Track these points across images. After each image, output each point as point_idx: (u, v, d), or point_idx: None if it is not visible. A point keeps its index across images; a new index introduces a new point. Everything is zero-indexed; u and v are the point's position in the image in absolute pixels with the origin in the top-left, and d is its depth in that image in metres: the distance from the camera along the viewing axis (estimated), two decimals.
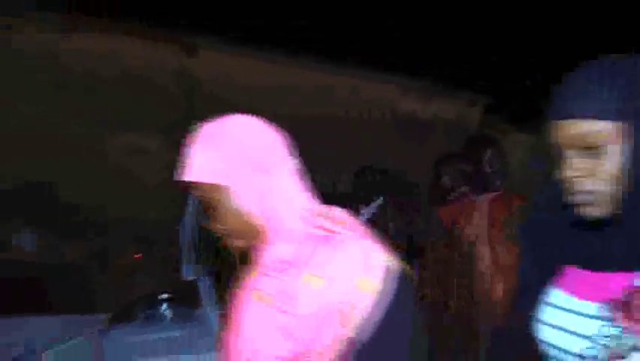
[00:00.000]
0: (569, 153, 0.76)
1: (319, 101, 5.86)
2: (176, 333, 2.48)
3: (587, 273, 0.81)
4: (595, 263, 0.80)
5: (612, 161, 0.73)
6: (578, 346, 0.79)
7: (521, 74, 6.24)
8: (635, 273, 0.76)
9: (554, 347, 0.83)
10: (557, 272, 0.85)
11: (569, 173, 0.76)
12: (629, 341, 0.73)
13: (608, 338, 0.75)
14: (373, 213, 3.84)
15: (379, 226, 4.42)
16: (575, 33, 5.85)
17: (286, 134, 1.10)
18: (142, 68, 4.97)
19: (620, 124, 0.73)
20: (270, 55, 5.54)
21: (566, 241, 0.82)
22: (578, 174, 0.75)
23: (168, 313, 2.76)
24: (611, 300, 0.76)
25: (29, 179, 4.40)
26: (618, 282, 0.77)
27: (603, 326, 0.76)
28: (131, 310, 2.81)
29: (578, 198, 0.76)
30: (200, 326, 2.62)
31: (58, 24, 4.63)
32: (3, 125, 4.44)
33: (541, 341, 0.85)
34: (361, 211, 3.99)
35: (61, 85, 4.66)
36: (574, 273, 0.83)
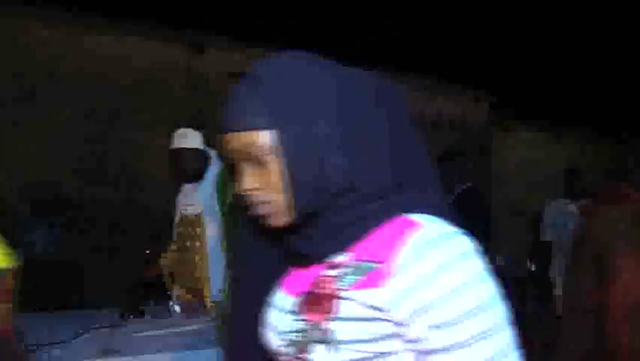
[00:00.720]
0: (240, 165, 0.75)
1: None
2: (188, 327, 2.51)
3: (297, 269, 0.80)
4: (300, 259, 0.79)
5: (275, 170, 0.72)
6: (276, 343, 0.78)
7: (527, 71, 6.23)
8: (325, 264, 0.75)
9: (267, 345, 0.81)
10: (284, 272, 0.84)
11: (242, 186, 0.75)
12: (313, 333, 0.72)
13: (295, 333, 0.74)
14: None
15: None
16: (580, 29, 5.85)
17: None
18: (150, 67, 5.02)
19: (272, 132, 0.71)
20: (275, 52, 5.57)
21: (278, 240, 0.80)
22: (250, 186, 0.74)
23: (177, 308, 2.80)
24: (300, 293, 0.76)
25: (41, 178, 4.46)
26: (311, 275, 0.76)
27: (293, 320, 0.75)
28: (140, 304, 2.85)
29: (257, 210, 0.75)
30: (210, 320, 2.66)
31: (68, 24, 4.67)
32: (17, 124, 4.49)
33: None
34: None
35: (70, 84, 4.71)
36: (290, 271, 0.82)
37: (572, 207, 4.86)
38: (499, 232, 6.82)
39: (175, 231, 3.08)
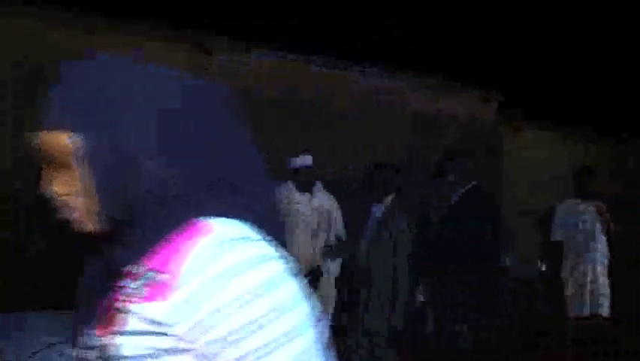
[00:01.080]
0: (46, 168, 0.72)
1: (330, 99, 5.88)
2: None
3: (104, 279, 0.77)
4: (105, 268, 0.75)
5: (79, 174, 0.69)
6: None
7: (536, 69, 6.18)
8: (123, 274, 0.71)
9: None
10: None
11: (49, 190, 0.72)
12: (100, 350, 0.69)
13: (87, 350, 0.72)
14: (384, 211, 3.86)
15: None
16: (589, 27, 5.80)
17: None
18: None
19: (75, 135, 0.69)
20: (281, 54, 5.57)
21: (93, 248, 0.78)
22: (56, 190, 0.71)
23: None
24: (99, 307, 0.73)
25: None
26: (110, 287, 0.72)
27: (90, 336, 0.73)
28: None
29: (65, 215, 0.72)
30: None
31: (83, 26, 4.71)
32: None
33: None
34: (372, 209, 4.01)
35: None
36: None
37: (584, 207, 4.80)
38: (509, 232, 6.77)
39: None
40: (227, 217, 0.69)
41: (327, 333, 0.69)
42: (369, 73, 6.07)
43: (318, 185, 4.25)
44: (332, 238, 4.31)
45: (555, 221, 4.93)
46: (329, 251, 4.16)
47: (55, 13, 4.58)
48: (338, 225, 4.35)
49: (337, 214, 4.35)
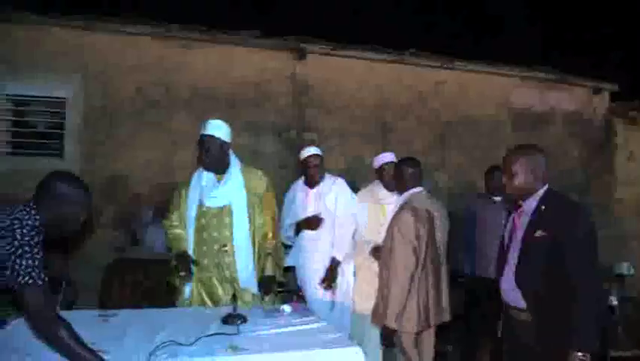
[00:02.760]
0: None
1: (429, 98, 5.77)
2: (300, 327, 2.56)
3: None
4: None
5: None
6: None
7: None
8: None
9: None
10: None
11: None
12: None
13: None
14: None
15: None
16: None
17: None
18: (257, 76, 5.21)
19: None
20: (377, 55, 5.54)
21: None
22: None
23: (288, 308, 2.87)
24: None
25: (163, 183, 4.80)
26: None
27: None
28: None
29: None
30: (320, 321, 2.69)
31: (179, 39, 4.99)
32: (139, 134, 4.88)
33: None
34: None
35: (185, 95, 5.03)
36: None
37: None
38: (623, 235, 6.24)
39: (193, 220, 3.11)
40: None
41: None
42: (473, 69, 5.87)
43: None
44: None
45: None
46: None
47: (157, 28, 4.89)
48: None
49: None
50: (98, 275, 4.33)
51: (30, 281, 1.87)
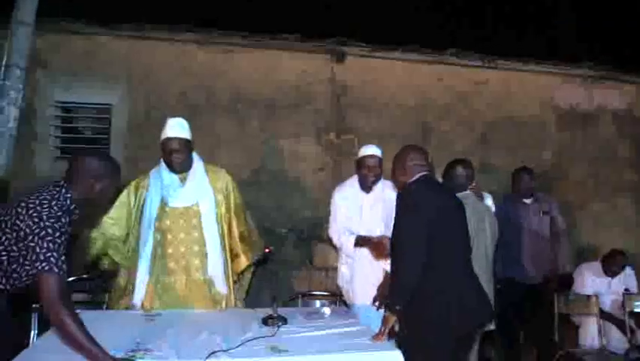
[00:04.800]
0: None
1: (470, 98, 5.67)
2: (340, 329, 2.56)
3: None
4: None
5: None
6: None
7: None
8: None
9: None
10: None
11: None
12: None
13: None
14: None
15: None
16: None
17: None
18: (296, 79, 5.25)
19: None
20: (417, 56, 5.49)
21: None
22: None
23: (327, 310, 2.88)
24: None
25: None
26: None
27: None
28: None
29: None
30: (359, 323, 2.69)
31: (221, 45, 5.07)
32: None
33: None
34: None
35: (227, 99, 5.11)
36: None
37: None
38: None
39: (153, 221, 2.98)
40: None
41: None
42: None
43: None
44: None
45: None
46: None
47: (199, 35, 4.98)
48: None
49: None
50: None
51: (47, 268, 1.88)
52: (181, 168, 3.01)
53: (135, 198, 3.08)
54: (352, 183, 3.51)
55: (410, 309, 2.41)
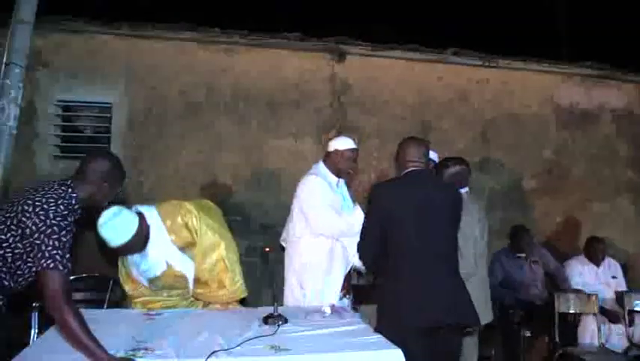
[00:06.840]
0: None
1: (471, 96, 5.67)
2: (340, 328, 2.56)
3: None
4: None
5: None
6: None
7: None
8: None
9: None
10: None
11: None
12: None
13: None
14: None
15: None
16: None
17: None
18: (297, 77, 5.24)
19: None
20: (418, 55, 5.48)
21: None
22: None
23: (328, 309, 2.88)
24: None
25: (209, 184, 4.90)
26: None
27: None
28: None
29: None
30: (360, 322, 2.69)
31: (221, 43, 5.06)
32: (184, 137, 4.98)
33: None
34: None
35: (228, 97, 5.11)
36: None
37: None
38: None
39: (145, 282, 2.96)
40: None
41: None
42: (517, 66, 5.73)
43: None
44: None
45: None
46: None
47: (200, 33, 4.97)
48: None
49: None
50: None
51: (52, 265, 1.88)
52: (142, 249, 2.80)
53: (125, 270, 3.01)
54: (324, 175, 3.47)
55: (376, 297, 2.69)
